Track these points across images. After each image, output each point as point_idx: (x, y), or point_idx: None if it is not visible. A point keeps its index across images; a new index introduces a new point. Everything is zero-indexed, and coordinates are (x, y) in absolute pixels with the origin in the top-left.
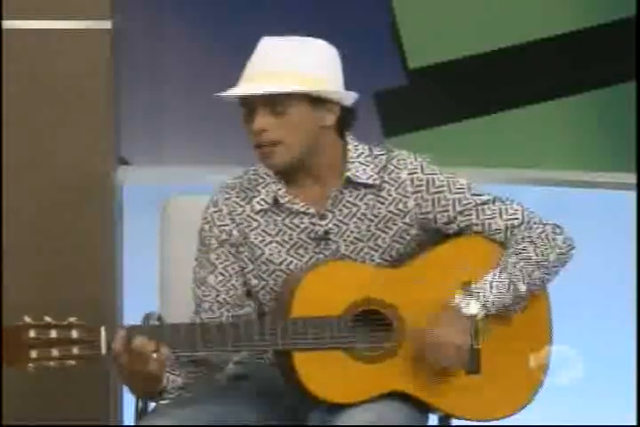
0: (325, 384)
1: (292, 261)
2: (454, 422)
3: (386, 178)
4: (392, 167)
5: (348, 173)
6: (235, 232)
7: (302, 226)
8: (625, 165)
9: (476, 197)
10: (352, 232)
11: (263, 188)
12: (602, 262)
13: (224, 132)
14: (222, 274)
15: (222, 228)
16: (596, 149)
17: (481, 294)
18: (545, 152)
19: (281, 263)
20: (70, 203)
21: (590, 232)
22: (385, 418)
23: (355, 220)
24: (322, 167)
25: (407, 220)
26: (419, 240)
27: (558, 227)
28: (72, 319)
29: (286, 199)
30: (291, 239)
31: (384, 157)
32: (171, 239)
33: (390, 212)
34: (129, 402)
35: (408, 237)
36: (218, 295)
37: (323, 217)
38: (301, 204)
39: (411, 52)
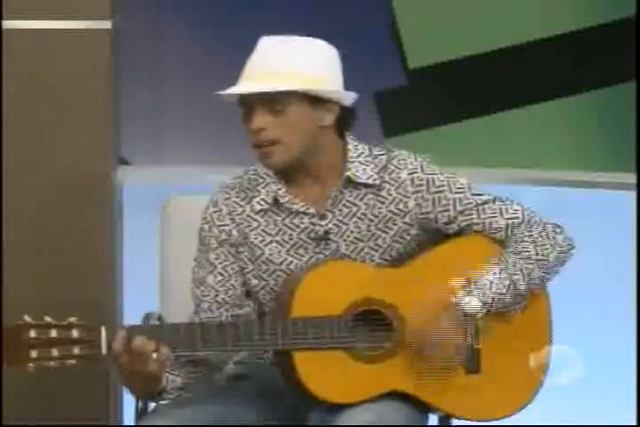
0: (325, 384)
1: (291, 261)
2: (454, 422)
3: (386, 178)
4: (392, 167)
5: (348, 173)
6: (234, 232)
7: (302, 226)
8: (625, 165)
9: (476, 197)
10: (352, 232)
11: (263, 188)
12: (602, 262)
13: (224, 132)
14: (221, 274)
15: (222, 228)
16: (595, 149)
17: (481, 292)
18: (545, 152)
19: (281, 263)
20: (70, 203)
21: (590, 232)
22: (385, 418)
23: (355, 220)
24: (322, 167)
25: (407, 220)
26: (419, 240)
27: (558, 226)
28: (72, 319)
29: (286, 199)
30: (291, 239)
31: (384, 157)
32: (171, 239)
33: (390, 211)
34: (129, 402)
35: (408, 237)
36: (217, 295)
37: (323, 217)
38: (301, 204)
39: (411, 52)
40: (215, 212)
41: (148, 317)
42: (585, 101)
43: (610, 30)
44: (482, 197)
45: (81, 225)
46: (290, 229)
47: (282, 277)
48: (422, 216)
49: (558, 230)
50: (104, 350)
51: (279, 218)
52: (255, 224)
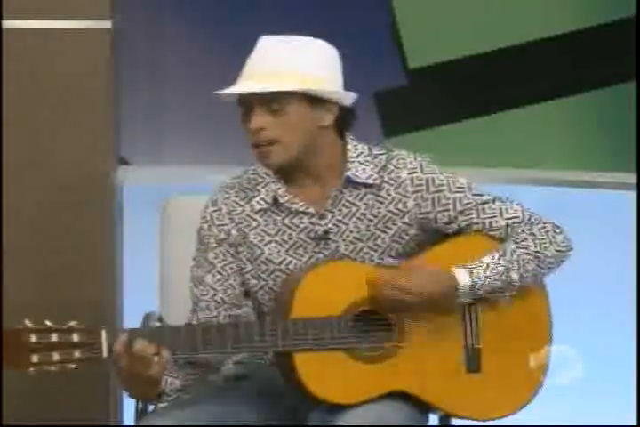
0: (326, 384)
1: (291, 261)
2: (454, 421)
3: (385, 178)
4: (392, 167)
5: (348, 173)
6: (234, 232)
7: (302, 226)
8: (625, 165)
9: (476, 197)
10: (351, 232)
11: (263, 187)
12: (602, 262)
13: (224, 132)
14: (220, 273)
15: (221, 227)
16: (596, 149)
17: (474, 270)
18: (545, 152)
19: (280, 263)
20: (70, 203)
21: (590, 232)
22: (385, 418)
23: (354, 219)
24: (321, 167)
25: (407, 219)
26: (418, 240)
27: (558, 227)
28: (72, 323)
29: (286, 199)
30: (290, 239)
31: (384, 157)
32: (171, 239)
33: (390, 211)
34: (129, 403)
35: (407, 237)
36: (215, 295)
37: (322, 217)
38: (301, 203)
39: (411, 52)
40: (215, 211)
41: (147, 317)
42: (585, 101)
43: (610, 30)
44: (482, 197)
45: (81, 225)
46: (289, 228)
47: (281, 277)
48: (422, 216)
49: (558, 230)
50: (105, 354)
51: (279, 218)
52: (255, 224)
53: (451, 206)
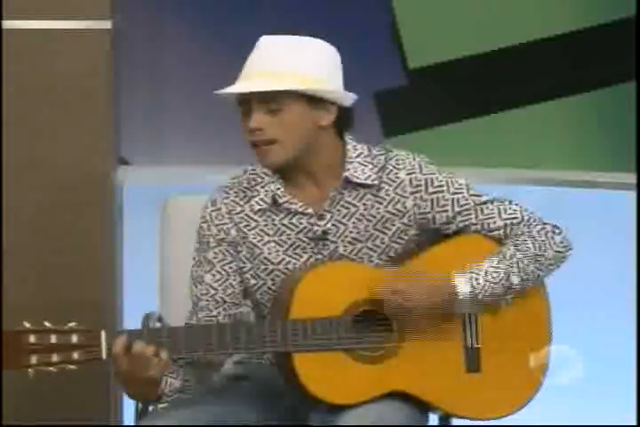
0: (325, 385)
1: (289, 261)
2: (454, 421)
3: (384, 178)
4: (390, 167)
5: (347, 174)
6: (233, 231)
7: (300, 226)
8: (625, 165)
9: (474, 198)
10: (350, 232)
11: (262, 187)
12: (602, 262)
13: (224, 132)
14: (220, 272)
15: (220, 227)
16: (596, 149)
17: (474, 276)
18: (545, 152)
19: (279, 263)
20: (70, 203)
21: (590, 232)
22: (385, 418)
23: (353, 220)
24: (320, 167)
25: (405, 220)
26: (417, 240)
27: (557, 227)
28: (72, 324)
29: (285, 199)
30: (289, 239)
31: (383, 157)
32: (171, 239)
33: (389, 212)
34: (129, 403)
35: (407, 237)
36: (215, 294)
37: (321, 217)
38: (300, 204)
39: (411, 52)
40: (214, 211)
41: (147, 317)
42: (585, 101)
43: (610, 30)
44: (480, 197)
45: (81, 225)
46: (288, 229)
47: (279, 277)
48: (420, 216)
49: (557, 231)
50: (104, 355)
51: (277, 218)
52: (254, 224)
53: (449, 207)
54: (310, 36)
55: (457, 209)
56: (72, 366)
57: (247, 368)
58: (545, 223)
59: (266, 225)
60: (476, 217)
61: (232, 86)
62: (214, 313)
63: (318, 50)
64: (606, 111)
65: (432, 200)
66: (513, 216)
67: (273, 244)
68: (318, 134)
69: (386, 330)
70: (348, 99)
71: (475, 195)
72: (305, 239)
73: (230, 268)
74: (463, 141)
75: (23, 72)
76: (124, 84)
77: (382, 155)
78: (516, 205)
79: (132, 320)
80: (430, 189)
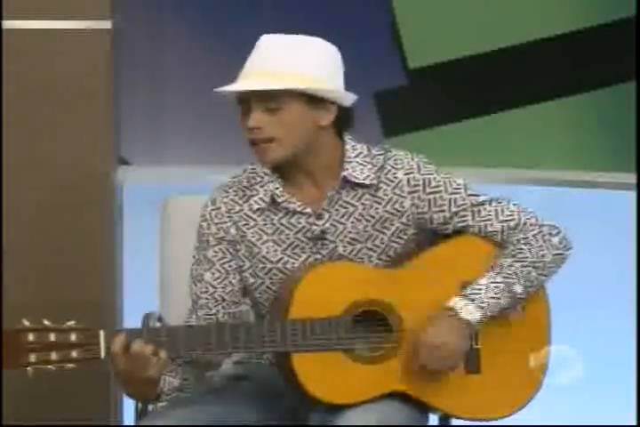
0: (325, 385)
1: (288, 261)
2: (454, 421)
3: (382, 178)
4: (389, 167)
5: (345, 173)
6: (232, 230)
7: (299, 225)
8: (625, 165)
9: (472, 198)
10: (349, 232)
11: (261, 187)
12: (602, 262)
13: (224, 132)
14: (219, 271)
15: (220, 225)
16: (595, 149)
17: (477, 297)
18: (545, 152)
19: (277, 262)
20: (70, 203)
21: (590, 232)
22: (385, 419)
23: (352, 220)
24: (319, 167)
25: (404, 220)
26: (416, 240)
27: (555, 227)
28: (71, 323)
29: (283, 198)
30: (287, 239)
31: (381, 157)
32: (171, 239)
33: (387, 212)
34: (129, 403)
35: (405, 237)
36: (214, 292)
37: (319, 217)
38: (298, 203)
39: (411, 52)
40: (214, 210)
41: (147, 317)
42: (585, 101)
43: (610, 30)
44: (478, 197)
45: (81, 225)
46: (286, 228)
47: (278, 276)
48: (418, 216)
49: (554, 232)
50: (103, 354)
51: (276, 217)
52: (252, 223)
53: (446, 207)
54: (310, 36)
55: (454, 209)
56: (71, 365)
57: (247, 368)
58: (542, 225)
59: (265, 224)
60: (473, 218)
61: (232, 85)
62: (214, 311)
63: (318, 49)
64: (606, 111)
65: (430, 200)
66: (510, 218)
67: (271, 243)
68: (318, 134)
69: (386, 330)
70: (349, 99)
71: (473, 195)
72: (303, 239)
73: (230, 266)
74: (463, 141)
75: (23, 72)
76: (124, 84)
77: (381, 155)
78: (515, 205)
79: (131, 320)
80: (428, 190)
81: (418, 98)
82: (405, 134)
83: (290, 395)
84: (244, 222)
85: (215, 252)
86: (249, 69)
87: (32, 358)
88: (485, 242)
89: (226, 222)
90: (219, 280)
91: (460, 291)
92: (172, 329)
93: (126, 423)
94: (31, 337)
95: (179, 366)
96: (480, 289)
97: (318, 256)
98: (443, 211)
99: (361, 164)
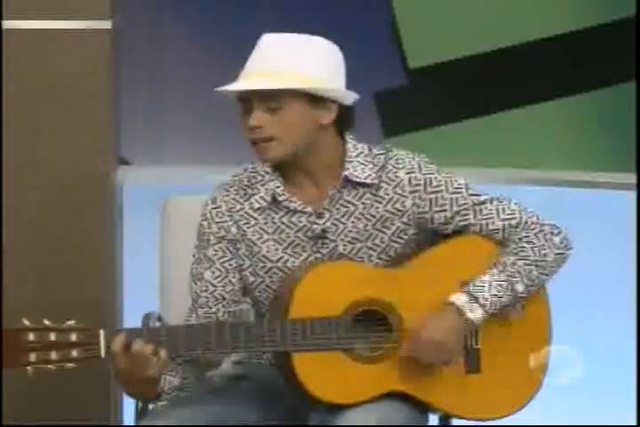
0: (325, 385)
1: (288, 260)
2: (454, 421)
3: (383, 177)
4: (390, 167)
5: (346, 173)
6: (233, 229)
7: (300, 224)
8: (625, 165)
9: (473, 197)
10: (350, 232)
11: (262, 186)
12: (602, 262)
13: (224, 132)
14: (219, 270)
15: (221, 224)
16: (596, 149)
17: (479, 294)
18: (545, 152)
19: (277, 261)
20: (70, 203)
21: (590, 232)
22: (385, 419)
23: (352, 219)
24: (320, 166)
25: (405, 219)
26: (417, 240)
27: (556, 227)
28: (71, 322)
29: (284, 197)
30: (288, 237)
31: (383, 157)
32: (171, 239)
33: (388, 211)
34: (129, 403)
35: (406, 237)
36: (215, 291)
37: (320, 216)
38: (299, 202)
39: (411, 52)
40: (214, 208)
41: (147, 317)
42: (585, 101)
43: (610, 30)
44: (479, 197)
45: (81, 225)
46: (287, 227)
47: (278, 275)
48: (419, 216)
49: (556, 231)
50: (103, 353)
51: (277, 216)
52: (253, 222)
53: (447, 207)
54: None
55: (455, 209)
56: (71, 364)
57: (247, 368)
58: (543, 225)
59: (265, 223)
60: (475, 217)
61: (232, 84)
62: (214, 310)
63: (319, 49)
64: (606, 111)
65: (431, 200)
66: (511, 217)
67: (272, 242)
68: (319, 133)
69: (386, 330)
70: (350, 98)
71: (474, 194)
72: (304, 238)
73: (230, 265)
74: (463, 141)
75: (23, 72)
76: (124, 84)
77: (382, 154)
78: (516, 204)
79: (131, 320)
80: (429, 189)
81: (418, 98)
82: (405, 134)
83: (290, 395)
84: (245, 221)
85: (215, 250)
86: (249, 69)
87: (32, 357)
88: (486, 241)
89: (226, 221)
90: (219, 279)
91: (462, 289)
92: (172, 329)
93: (126, 423)
94: (31, 337)
95: (179, 365)
96: (483, 286)
97: (318, 255)
98: (444, 210)
99: (362, 163)
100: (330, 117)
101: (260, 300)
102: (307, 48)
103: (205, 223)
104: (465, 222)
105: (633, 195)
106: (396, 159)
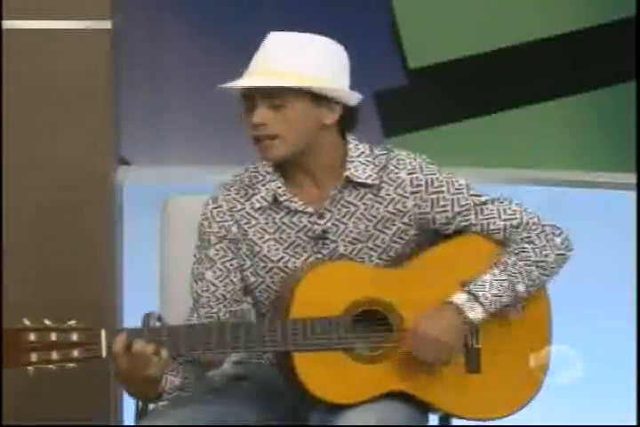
0: (325, 385)
1: (289, 260)
2: (454, 421)
3: (385, 178)
4: (392, 167)
5: (348, 173)
6: (234, 229)
7: (300, 225)
8: (625, 165)
9: (474, 198)
10: (351, 232)
11: (263, 186)
12: (602, 262)
13: (224, 132)
14: (220, 269)
15: (221, 224)
16: (596, 149)
17: (480, 293)
18: (545, 152)
19: (278, 261)
20: (70, 203)
21: (590, 232)
22: (385, 419)
23: (353, 219)
24: (322, 166)
25: (406, 220)
26: (417, 240)
27: (557, 228)
28: (72, 322)
29: (285, 197)
30: (289, 238)
31: (384, 157)
32: (171, 239)
33: (389, 212)
34: (129, 403)
35: (407, 238)
36: (216, 290)
37: (321, 216)
38: (300, 202)
39: (411, 52)
40: (215, 208)
41: (147, 316)
42: (585, 101)
43: (610, 30)
44: (480, 197)
45: (81, 225)
46: (288, 227)
47: (279, 275)
48: (420, 217)
49: (557, 232)
50: (104, 353)
51: (278, 216)
52: (254, 222)
53: (449, 207)
54: None
55: (457, 209)
56: (72, 364)
57: (247, 368)
58: (544, 225)
59: (266, 223)
60: (476, 217)
61: (235, 81)
62: (215, 310)
63: (322, 49)
64: (606, 111)
65: (432, 200)
66: (512, 217)
67: (273, 242)
68: (321, 133)
69: (386, 330)
70: (353, 98)
71: (475, 195)
72: (305, 238)
73: (231, 265)
74: (463, 141)
75: (23, 72)
76: (124, 84)
77: (384, 155)
78: (517, 205)
79: (132, 320)
80: (430, 190)
81: (418, 98)
82: (405, 134)
83: (290, 395)
84: (246, 221)
85: (216, 250)
86: (253, 67)
87: (33, 357)
88: (486, 242)
89: (227, 221)
90: (220, 279)
91: (463, 289)
92: (173, 328)
93: (126, 423)
94: (32, 337)
95: (180, 364)
96: (483, 286)
97: (319, 256)
98: (445, 211)
99: (363, 163)
100: (333, 118)
101: (260, 300)
102: (309, 48)
103: (206, 223)
104: (466, 223)
105: (633, 195)
106: (398, 160)
